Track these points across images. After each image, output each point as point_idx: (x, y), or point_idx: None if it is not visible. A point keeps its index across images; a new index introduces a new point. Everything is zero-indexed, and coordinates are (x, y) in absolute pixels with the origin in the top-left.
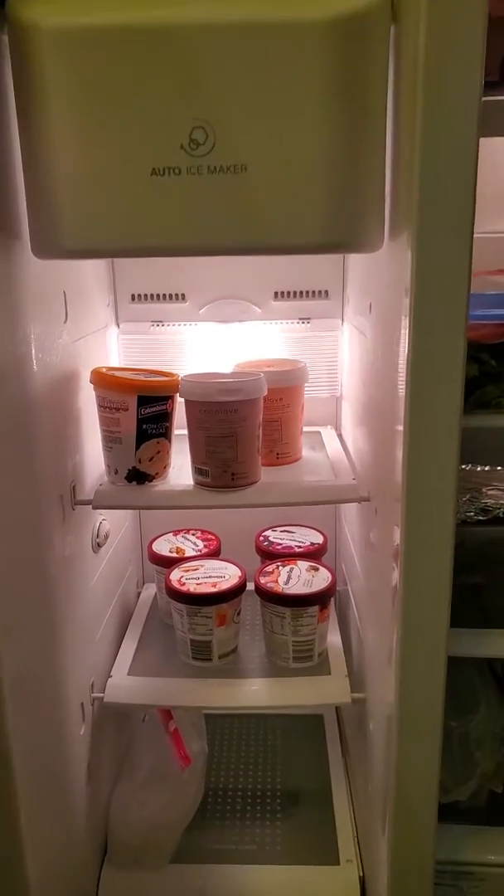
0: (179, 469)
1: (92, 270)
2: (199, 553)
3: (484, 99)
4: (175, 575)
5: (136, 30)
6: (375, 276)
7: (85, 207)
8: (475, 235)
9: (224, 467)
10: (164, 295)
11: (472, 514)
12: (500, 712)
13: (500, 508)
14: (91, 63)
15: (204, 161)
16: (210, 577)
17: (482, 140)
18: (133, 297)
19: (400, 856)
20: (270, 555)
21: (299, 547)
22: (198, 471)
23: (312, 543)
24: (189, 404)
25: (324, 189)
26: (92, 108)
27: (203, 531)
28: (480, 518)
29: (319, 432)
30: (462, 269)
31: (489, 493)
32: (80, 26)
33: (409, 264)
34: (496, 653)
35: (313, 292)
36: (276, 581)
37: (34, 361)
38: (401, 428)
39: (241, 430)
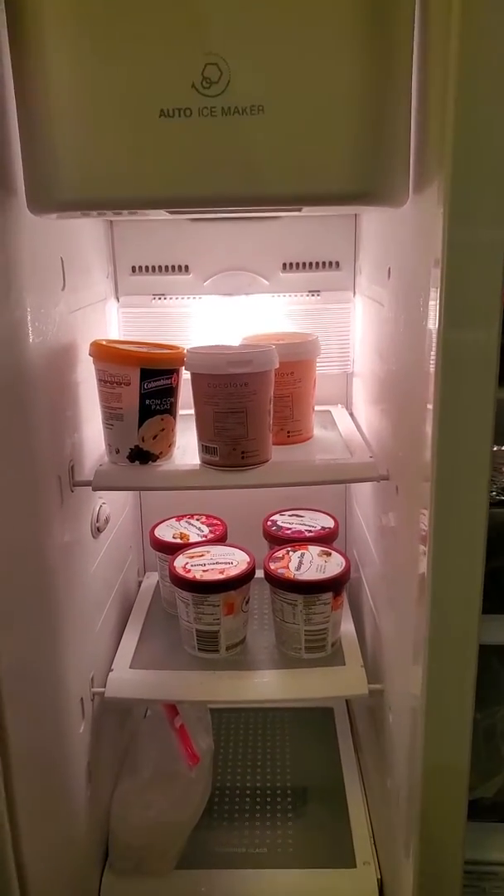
0: (184, 449)
1: (91, 238)
2: (204, 538)
3: None
4: (179, 561)
5: None
6: (395, 238)
7: (85, 153)
8: None
9: (233, 445)
10: (167, 267)
11: (493, 493)
12: None
13: None
14: None
15: (217, 101)
16: (217, 563)
17: None
18: (134, 269)
19: (428, 857)
20: (280, 540)
21: (310, 531)
22: (205, 449)
23: (323, 528)
24: (196, 378)
25: (349, 132)
26: (93, 41)
27: (208, 516)
28: (501, 498)
29: (330, 411)
30: (500, 220)
31: None
32: None
33: (441, 218)
34: None
35: (324, 263)
36: (287, 567)
37: (29, 330)
38: (430, 403)
39: (251, 405)
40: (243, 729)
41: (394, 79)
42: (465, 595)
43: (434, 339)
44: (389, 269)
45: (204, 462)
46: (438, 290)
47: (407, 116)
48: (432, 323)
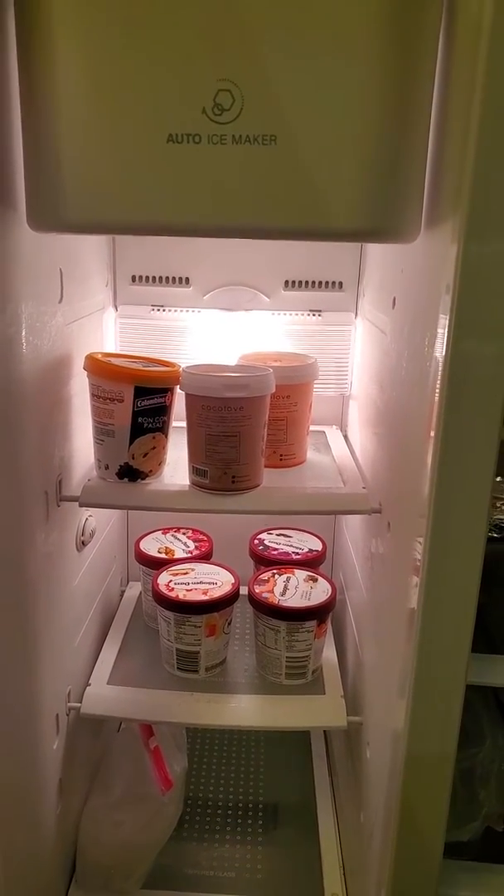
0: (175, 465)
1: (91, 247)
2: (189, 555)
3: None
4: (163, 579)
5: None
6: (403, 269)
7: (90, 175)
8: None
9: (224, 469)
10: (167, 278)
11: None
12: None
13: None
14: (105, 10)
15: (228, 129)
16: (201, 582)
17: None
18: (133, 279)
19: None
20: (266, 560)
21: (297, 554)
22: (195, 471)
23: (311, 550)
24: (190, 399)
25: (363, 169)
26: (103, 61)
27: (195, 530)
28: (494, 535)
29: (324, 432)
30: None
31: (503, 507)
32: None
33: (455, 257)
34: None
35: (327, 283)
36: (272, 591)
37: (23, 344)
38: (430, 438)
39: (244, 429)
40: (218, 746)
41: (412, 116)
42: (456, 635)
43: (437, 374)
44: (395, 298)
45: (193, 483)
46: (448, 316)
47: (423, 155)
48: (439, 351)
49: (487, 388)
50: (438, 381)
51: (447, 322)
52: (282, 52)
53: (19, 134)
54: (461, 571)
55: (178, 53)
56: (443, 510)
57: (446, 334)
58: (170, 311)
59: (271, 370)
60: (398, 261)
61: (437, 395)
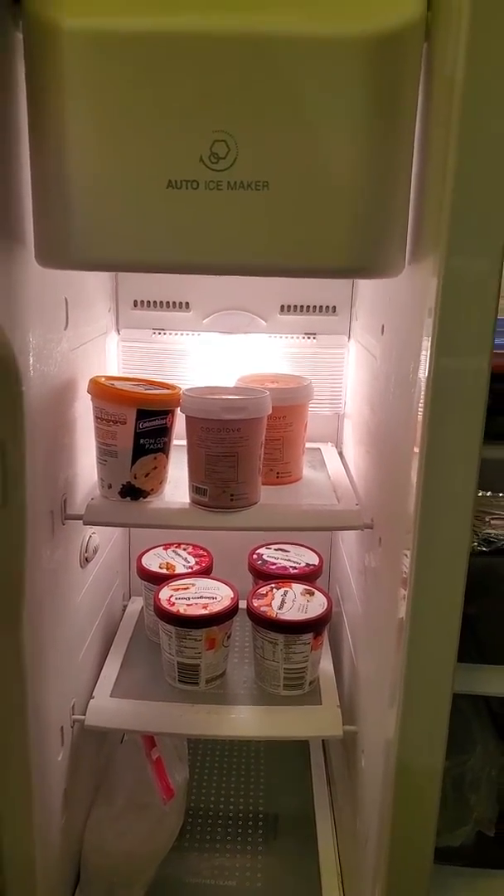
0: (176, 484)
1: (95, 276)
2: (190, 570)
3: None
4: (164, 594)
5: (160, 36)
6: (390, 299)
7: (95, 217)
8: None
9: (223, 487)
10: (168, 303)
11: (475, 543)
12: (496, 753)
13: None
14: (111, 67)
15: (224, 176)
16: (201, 597)
17: None
18: (135, 304)
19: None
20: (264, 575)
21: (294, 568)
22: (195, 489)
23: (308, 564)
24: (190, 420)
25: (349, 211)
26: (108, 114)
27: (195, 546)
28: (483, 549)
29: (320, 450)
30: (491, 295)
31: (492, 522)
32: (102, 30)
33: (435, 290)
34: (495, 690)
35: (321, 307)
36: (270, 605)
37: (31, 370)
38: (415, 457)
39: (242, 449)
40: (219, 756)
41: (394, 164)
42: (442, 645)
43: (421, 395)
44: (383, 325)
45: (193, 502)
46: (430, 337)
47: (405, 197)
48: (423, 372)
49: (468, 403)
50: (422, 401)
51: (429, 343)
52: (272, 107)
53: (28, 176)
54: (446, 583)
55: (177, 107)
56: (428, 524)
57: (429, 353)
58: (170, 334)
59: (268, 393)
60: (387, 291)
61: (420, 413)
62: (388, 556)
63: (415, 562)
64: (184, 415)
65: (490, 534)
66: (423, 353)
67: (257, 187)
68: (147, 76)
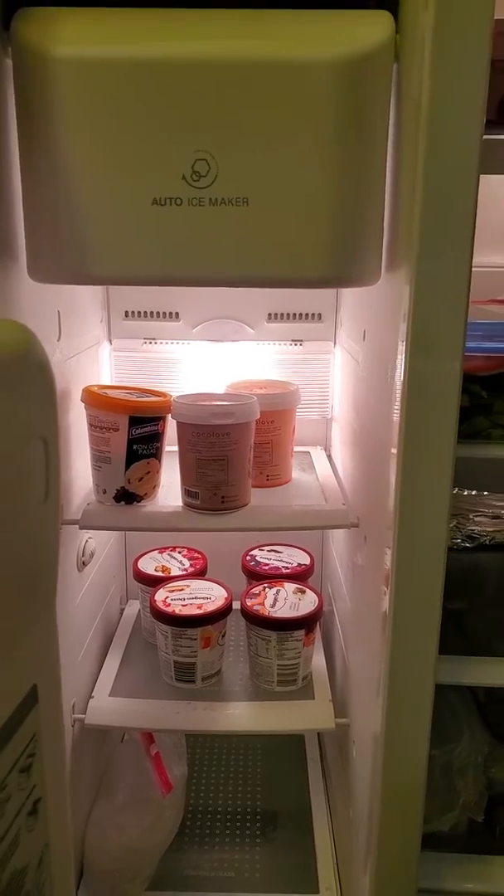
0: (169, 488)
1: (87, 288)
2: (185, 572)
3: (484, 137)
4: (160, 595)
5: (144, 63)
6: (370, 305)
7: (85, 233)
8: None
9: (214, 490)
10: (158, 313)
11: (458, 540)
12: (482, 741)
13: (486, 536)
14: (98, 93)
15: (206, 193)
16: (196, 598)
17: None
18: (126, 314)
19: (383, 885)
20: (257, 575)
21: (286, 568)
22: (187, 493)
23: (299, 564)
24: (181, 426)
25: (325, 224)
26: (96, 136)
27: (189, 549)
28: (467, 545)
29: (309, 453)
30: (460, 301)
31: (476, 518)
32: (90, 57)
33: (408, 297)
34: (479, 680)
35: (307, 315)
36: (263, 604)
37: None
38: (392, 457)
39: (232, 453)
40: (217, 753)
41: (367, 179)
42: (424, 636)
43: (398, 397)
44: (365, 331)
45: (186, 505)
46: (405, 341)
47: (379, 211)
48: (399, 375)
49: (441, 402)
50: (398, 402)
51: (405, 346)
52: (250, 128)
53: (19, 193)
54: (425, 578)
55: (161, 128)
56: (406, 522)
57: (404, 357)
58: (161, 343)
59: (256, 398)
60: (367, 298)
61: (395, 414)
62: (372, 553)
63: (395, 558)
64: (175, 421)
65: (473, 530)
66: (399, 356)
67: (237, 203)
68: (132, 100)
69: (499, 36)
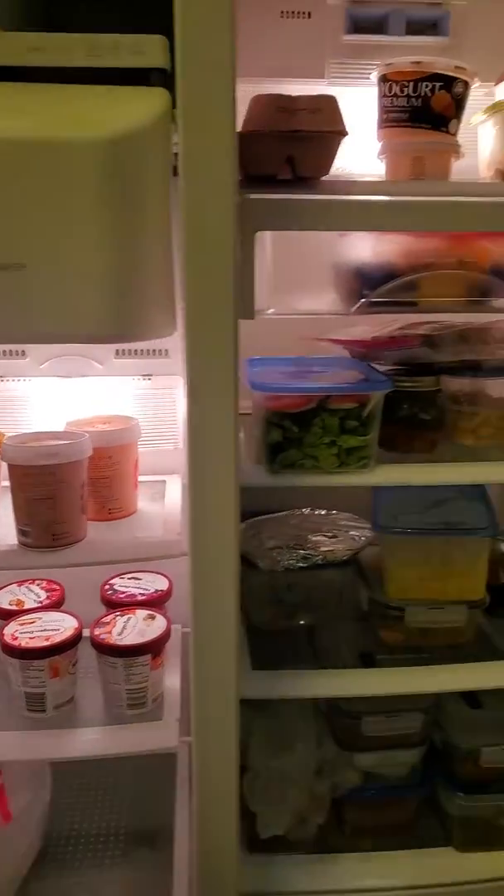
0: (10, 526)
1: None
2: (40, 604)
3: (274, 196)
4: (10, 629)
5: None
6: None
7: None
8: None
9: (45, 528)
10: (4, 351)
11: (294, 561)
12: (316, 749)
13: (318, 556)
14: None
15: None
16: (45, 630)
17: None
18: None
19: (208, 890)
20: (113, 604)
21: (143, 595)
22: (21, 531)
23: (157, 591)
24: (10, 467)
25: (104, 286)
26: None
27: (49, 581)
28: (301, 565)
29: (165, 482)
30: (228, 348)
31: (312, 538)
32: None
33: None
34: (286, 693)
35: (154, 351)
36: (110, 632)
37: None
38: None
39: (60, 492)
40: (87, 777)
41: (143, 244)
42: (223, 652)
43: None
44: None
45: (21, 543)
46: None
47: (165, 269)
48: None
49: (218, 437)
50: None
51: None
52: (22, 200)
53: None
54: (219, 598)
55: None
56: (198, 546)
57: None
58: (8, 381)
59: (87, 436)
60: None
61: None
62: None
63: (191, 580)
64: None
65: (307, 552)
66: (184, 398)
67: (16, 268)
68: None
69: (278, 111)
